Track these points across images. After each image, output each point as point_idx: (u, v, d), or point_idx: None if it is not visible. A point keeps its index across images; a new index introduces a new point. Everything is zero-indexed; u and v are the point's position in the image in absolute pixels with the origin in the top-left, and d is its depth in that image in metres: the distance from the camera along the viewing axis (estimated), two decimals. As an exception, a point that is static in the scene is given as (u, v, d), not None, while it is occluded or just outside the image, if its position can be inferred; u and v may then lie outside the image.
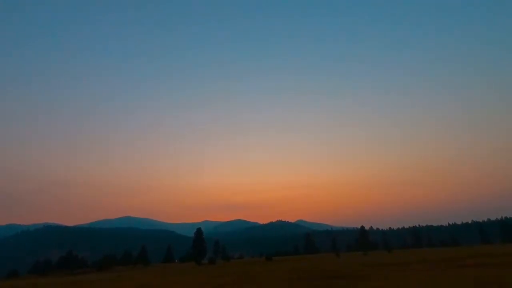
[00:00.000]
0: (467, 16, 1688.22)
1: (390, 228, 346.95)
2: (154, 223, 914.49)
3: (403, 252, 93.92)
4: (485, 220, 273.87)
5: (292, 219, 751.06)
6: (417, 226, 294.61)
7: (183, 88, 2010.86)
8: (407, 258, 50.00)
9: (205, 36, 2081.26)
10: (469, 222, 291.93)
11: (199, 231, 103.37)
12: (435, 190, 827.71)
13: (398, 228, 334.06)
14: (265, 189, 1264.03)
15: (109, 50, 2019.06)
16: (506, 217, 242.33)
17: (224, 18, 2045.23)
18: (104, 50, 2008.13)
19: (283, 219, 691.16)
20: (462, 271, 24.64)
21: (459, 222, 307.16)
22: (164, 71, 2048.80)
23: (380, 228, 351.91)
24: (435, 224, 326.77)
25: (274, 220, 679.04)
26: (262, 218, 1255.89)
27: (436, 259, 43.08)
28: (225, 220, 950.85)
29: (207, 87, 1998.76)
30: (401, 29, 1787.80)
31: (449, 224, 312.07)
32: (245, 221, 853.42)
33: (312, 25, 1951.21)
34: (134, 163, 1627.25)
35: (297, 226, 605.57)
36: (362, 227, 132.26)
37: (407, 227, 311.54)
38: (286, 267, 45.07)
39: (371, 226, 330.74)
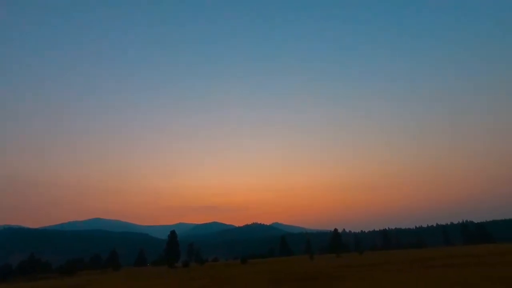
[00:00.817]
0: (429, 27, 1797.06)
1: (361, 230, 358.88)
2: (126, 226, 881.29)
3: (373, 254, 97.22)
4: (448, 223, 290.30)
5: (267, 221, 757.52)
6: (387, 228, 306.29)
7: (157, 88, 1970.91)
8: (378, 260, 51.81)
9: (185, 35, 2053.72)
10: (434, 225, 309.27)
11: (173, 234, 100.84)
12: (403, 195, 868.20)
13: (369, 230, 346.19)
14: (242, 191, 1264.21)
15: (81, 50, 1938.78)
16: (467, 221, 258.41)
17: (197, 16, 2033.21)
18: (76, 50, 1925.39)
19: (258, 222, 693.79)
20: (429, 271, 25.93)
21: (425, 225, 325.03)
22: (138, 69, 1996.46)
23: (352, 230, 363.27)
24: (403, 227, 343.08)
25: (250, 223, 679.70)
26: (238, 220, 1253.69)
27: (405, 260, 44.98)
28: (201, 222, 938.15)
29: (184, 87, 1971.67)
30: (377, 41, 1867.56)
31: (416, 227, 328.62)
32: (221, 224, 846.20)
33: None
34: (105, 163, 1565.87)
35: (273, 229, 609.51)
36: (336, 229, 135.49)
37: (378, 229, 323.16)
38: (261, 270, 45.08)
39: (344, 229, 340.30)
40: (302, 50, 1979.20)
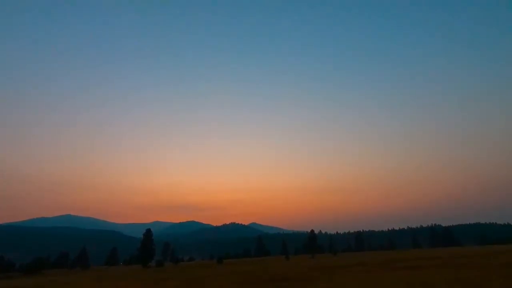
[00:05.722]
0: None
1: (336, 232, 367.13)
2: (99, 223, 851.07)
3: (347, 255, 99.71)
4: (418, 227, 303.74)
5: (245, 221, 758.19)
6: (361, 231, 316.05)
7: (137, 85, 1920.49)
8: (350, 261, 53.13)
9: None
10: (405, 228, 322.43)
11: (148, 232, 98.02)
12: (377, 198, 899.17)
13: (344, 232, 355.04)
14: (220, 191, 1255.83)
15: (61, 45, 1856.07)
16: (435, 224, 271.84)
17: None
18: (40, 41, 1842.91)
19: (236, 222, 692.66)
20: (397, 272, 26.87)
21: (396, 228, 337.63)
22: (116, 67, 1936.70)
23: (328, 232, 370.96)
24: (376, 229, 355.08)
25: (227, 223, 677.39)
26: (216, 220, 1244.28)
27: (375, 262, 46.40)
28: (178, 221, 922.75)
29: (164, 85, 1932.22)
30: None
31: (388, 229, 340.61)
32: (198, 223, 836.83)
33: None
34: (78, 157, 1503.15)
35: (251, 229, 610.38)
36: (312, 231, 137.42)
37: (352, 232, 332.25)
38: (236, 270, 44.92)
39: (320, 230, 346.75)
40: (289, 55, 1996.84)
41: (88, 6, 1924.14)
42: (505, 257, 39.82)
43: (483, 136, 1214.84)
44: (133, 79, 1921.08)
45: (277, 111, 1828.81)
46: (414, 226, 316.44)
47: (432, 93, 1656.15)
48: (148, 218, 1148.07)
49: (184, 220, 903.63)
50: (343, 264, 46.40)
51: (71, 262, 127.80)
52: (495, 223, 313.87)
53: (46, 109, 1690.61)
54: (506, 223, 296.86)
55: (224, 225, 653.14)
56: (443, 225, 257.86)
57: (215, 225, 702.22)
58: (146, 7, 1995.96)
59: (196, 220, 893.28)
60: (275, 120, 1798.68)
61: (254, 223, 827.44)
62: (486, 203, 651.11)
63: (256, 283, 25.42)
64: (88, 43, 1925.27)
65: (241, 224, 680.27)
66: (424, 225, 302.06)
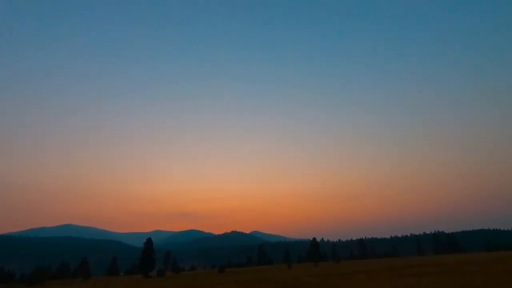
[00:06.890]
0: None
1: (339, 240, 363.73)
2: (99, 232, 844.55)
3: (350, 263, 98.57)
4: (421, 234, 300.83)
5: (247, 230, 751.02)
6: (364, 238, 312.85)
7: (136, 89, 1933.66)
8: (353, 269, 52.57)
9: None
10: (408, 235, 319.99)
11: (149, 241, 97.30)
12: (379, 205, 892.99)
13: (346, 240, 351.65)
14: (221, 198, 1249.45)
15: (48, 49, 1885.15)
16: (438, 231, 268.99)
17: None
18: (42, 49, 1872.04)
19: (238, 230, 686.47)
20: (402, 279, 26.59)
21: (399, 235, 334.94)
22: (117, 71, 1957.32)
23: (330, 240, 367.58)
24: (379, 236, 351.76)
25: (229, 231, 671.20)
26: (217, 228, 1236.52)
27: (379, 269, 45.93)
28: (179, 230, 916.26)
29: (166, 90, 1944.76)
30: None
31: (391, 236, 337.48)
32: (199, 231, 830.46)
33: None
34: (77, 165, 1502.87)
35: (252, 237, 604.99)
36: (314, 238, 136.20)
37: (354, 239, 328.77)
38: (237, 279, 44.47)
39: (322, 238, 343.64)
40: (288, 58, 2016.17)
41: (87, 8, 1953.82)
42: (509, 263, 39.41)
43: (486, 140, 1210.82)
44: (136, 87, 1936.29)
45: (278, 118, 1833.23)
46: (417, 233, 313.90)
47: (436, 93, 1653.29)
48: (148, 227, 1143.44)
49: (185, 229, 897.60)
50: (347, 271, 45.92)
51: (72, 272, 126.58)
52: (499, 229, 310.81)
53: (47, 118, 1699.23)
54: (511, 229, 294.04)
55: (226, 234, 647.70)
56: (447, 231, 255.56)
57: (216, 233, 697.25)
58: (154, 17, 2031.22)
59: (197, 228, 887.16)
60: (276, 127, 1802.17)
61: (255, 231, 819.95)
62: (490, 209, 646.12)
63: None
64: (89, 49, 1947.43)
65: (242, 232, 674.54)
66: (427, 232, 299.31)
